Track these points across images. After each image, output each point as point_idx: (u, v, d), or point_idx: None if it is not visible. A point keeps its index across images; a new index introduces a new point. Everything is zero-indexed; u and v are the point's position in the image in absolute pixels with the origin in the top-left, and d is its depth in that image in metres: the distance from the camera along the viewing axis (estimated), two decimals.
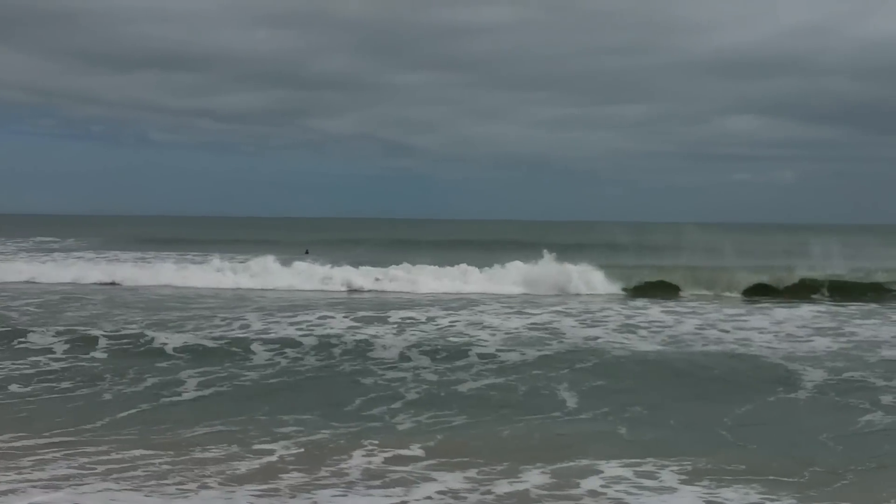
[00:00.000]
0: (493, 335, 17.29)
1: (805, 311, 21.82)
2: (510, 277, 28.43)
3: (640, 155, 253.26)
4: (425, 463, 8.94)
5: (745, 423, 10.82)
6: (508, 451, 9.34)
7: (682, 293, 26.95)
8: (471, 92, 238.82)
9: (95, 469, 8.56)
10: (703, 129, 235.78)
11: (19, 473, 8.34)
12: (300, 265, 30.62)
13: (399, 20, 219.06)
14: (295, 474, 8.52)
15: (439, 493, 8.02)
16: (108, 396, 12.06)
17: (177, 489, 8.01)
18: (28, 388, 12.42)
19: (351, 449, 9.40)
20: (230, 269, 30.78)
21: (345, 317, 19.61)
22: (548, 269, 28.51)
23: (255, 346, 15.65)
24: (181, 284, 28.61)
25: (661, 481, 8.44)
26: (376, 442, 9.68)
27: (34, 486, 7.96)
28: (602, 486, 8.25)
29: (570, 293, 26.61)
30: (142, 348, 15.64)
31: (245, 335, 16.92)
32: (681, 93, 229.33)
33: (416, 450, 9.40)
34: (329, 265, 30.41)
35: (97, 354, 15.00)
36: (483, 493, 8.01)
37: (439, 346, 15.75)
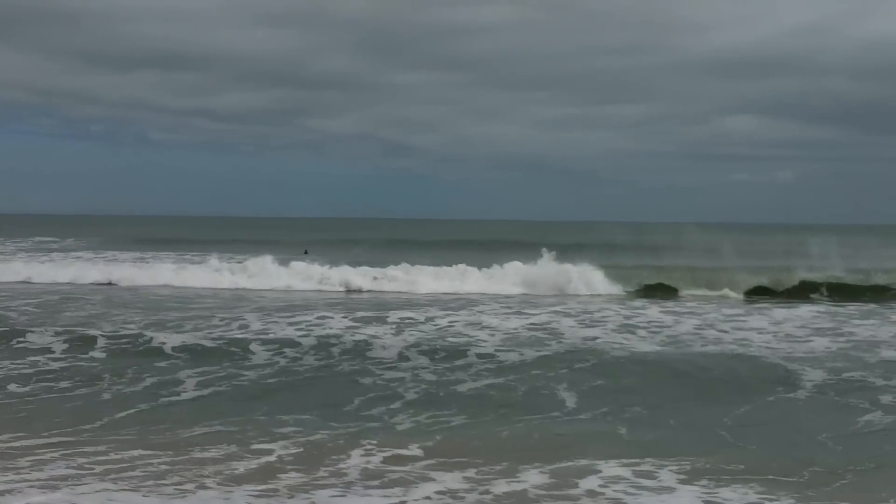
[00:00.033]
0: (492, 335, 17.29)
1: (804, 311, 21.83)
2: (509, 278, 28.42)
3: (640, 155, 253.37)
4: (424, 463, 8.94)
5: (744, 423, 10.82)
6: (507, 451, 9.33)
7: (681, 293, 26.94)
8: (471, 92, 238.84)
9: (94, 469, 8.55)
10: (703, 128, 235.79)
11: (17, 473, 8.33)
12: (299, 265, 30.58)
13: (399, 20, 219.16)
14: (293, 474, 8.51)
15: (438, 493, 8.01)
16: (106, 396, 12.05)
17: (175, 489, 8.00)
18: (27, 388, 12.41)
19: (349, 449, 9.39)
20: (228, 270, 30.76)
21: (344, 317, 19.61)
22: (547, 270, 28.49)
23: (253, 346, 15.64)
24: (180, 284, 28.60)
25: (659, 481, 8.44)
26: (375, 442, 9.68)
27: (32, 486, 7.95)
28: (600, 486, 8.24)
29: (569, 293, 26.61)
30: (140, 348, 15.63)
31: (244, 335, 16.91)
32: (681, 93, 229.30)
33: (414, 450, 9.39)
34: (328, 265, 30.39)
35: (96, 354, 14.99)
36: (481, 493, 8.01)
37: (438, 347, 15.75)
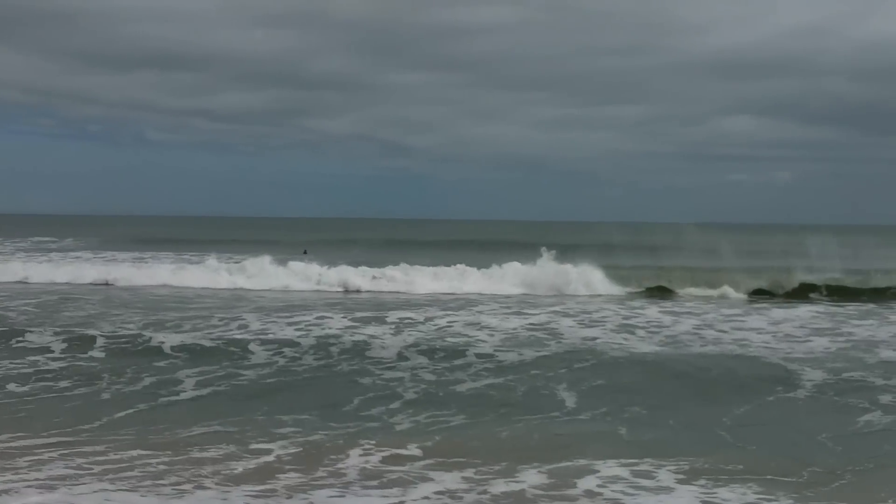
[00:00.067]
0: (492, 335, 17.28)
1: (803, 311, 21.84)
2: (508, 278, 28.41)
3: (639, 155, 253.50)
4: (423, 463, 8.93)
5: (743, 424, 10.81)
6: (506, 451, 9.33)
7: (680, 293, 26.94)
8: (470, 92, 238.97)
9: (92, 469, 8.54)
10: (703, 129, 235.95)
11: (16, 473, 8.32)
12: (297, 265, 30.56)
13: (398, 20, 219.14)
14: (292, 474, 8.50)
15: (437, 493, 8.00)
16: (105, 396, 12.04)
17: (173, 489, 7.99)
18: (26, 388, 12.40)
19: (348, 449, 9.38)
20: (226, 270, 30.74)
21: (342, 317, 19.60)
22: (546, 270, 28.49)
23: (252, 346, 15.63)
24: (178, 284, 28.58)
25: (658, 481, 8.43)
26: (374, 442, 9.67)
27: (30, 486, 7.94)
28: (599, 486, 8.23)
29: (568, 293, 26.60)
30: (139, 348, 15.62)
31: (243, 335, 16.90)
32: (680, 93, 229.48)
33: (413, 450, 9.38)
34: (327, 265, 30.37)
35: (95, 354, 14.98)
36: (480, 493, 8.00)
37: (437, 347, 15.74)
